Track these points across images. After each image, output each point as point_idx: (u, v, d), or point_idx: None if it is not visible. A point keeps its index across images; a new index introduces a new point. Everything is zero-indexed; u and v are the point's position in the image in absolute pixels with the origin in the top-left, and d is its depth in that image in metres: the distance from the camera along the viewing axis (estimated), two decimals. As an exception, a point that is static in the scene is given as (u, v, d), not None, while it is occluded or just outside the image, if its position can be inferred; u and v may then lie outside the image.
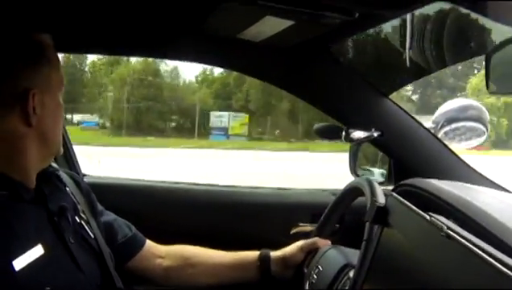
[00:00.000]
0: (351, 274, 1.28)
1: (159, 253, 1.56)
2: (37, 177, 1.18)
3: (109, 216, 1.49)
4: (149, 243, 1.56)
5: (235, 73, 23.83)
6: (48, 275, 1.05)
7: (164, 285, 1.58)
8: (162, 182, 2.23)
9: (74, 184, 1.36)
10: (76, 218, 1.24)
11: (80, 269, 1.15)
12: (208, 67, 29.17)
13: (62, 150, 1.25)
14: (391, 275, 1.01)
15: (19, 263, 1.00)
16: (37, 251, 1.04)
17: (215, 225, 2.00)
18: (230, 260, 1.59)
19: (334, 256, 1.44)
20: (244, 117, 27.43)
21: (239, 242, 1.77)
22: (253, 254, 1.58)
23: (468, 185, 1.34)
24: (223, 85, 29.89)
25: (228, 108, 28.28)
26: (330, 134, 1.91)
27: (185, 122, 29.01)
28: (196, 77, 31.12)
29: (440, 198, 1.04)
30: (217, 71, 29.01)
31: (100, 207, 1.47)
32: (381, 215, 1.10)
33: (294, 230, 2.03)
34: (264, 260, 1.56)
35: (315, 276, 1.42)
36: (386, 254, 1.05)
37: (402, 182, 1.27)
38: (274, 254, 1.57)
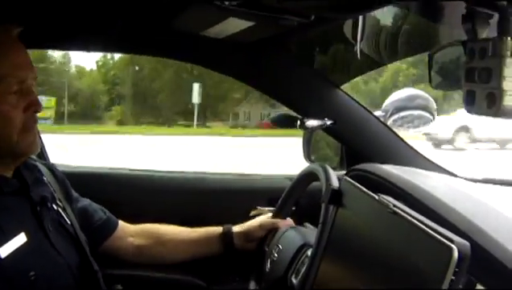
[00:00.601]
0: (309, 253, 1.34)
1: (131, 232, 1.63)
2: (18, 169, 1.23)
3: (84, 201, 1.54)
4: (121, 224, 1.62)
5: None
6: (31, 260, 1.09)
7: (136, 263, 1.67)
8: (131, 170, 2.28)
9: (50, 173, 1.40)
10: (54, 206, 1.28)
11: (59, 254, 1.20)
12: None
13: (34, 148, 1.25)
14: (346, 252, 1.06)
15: (4, 251, 1.04)
16: (20, 239, 1.09)
17: (181, 209, 2.05)
18: (196, 235, 1.68)
19: (293, 236, 1.51)
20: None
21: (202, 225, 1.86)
22: (217, 229, 1.70)
23: (416, 170, 1.43)
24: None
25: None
26: (286, 123, 1.99)
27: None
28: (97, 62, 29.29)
29: (389, 181, 1.12)
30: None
31: (75, 194, 1.51)
32: (336, 197, 1.16)
33: (252, 213, 2.04)
34: (227, 234, 1.68)
35: (275, 255, 1.49)
36: (340, 233, 1.11)
37: (353, 167, 1.34)
38: (236, 228, 1.69)
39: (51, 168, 1.43)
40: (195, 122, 21.60)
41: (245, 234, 1.68)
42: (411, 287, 0.68)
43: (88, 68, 30.15)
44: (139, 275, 2.01)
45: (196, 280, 2.08)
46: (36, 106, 1.21)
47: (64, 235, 1.27)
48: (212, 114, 25.14)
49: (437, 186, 1.12)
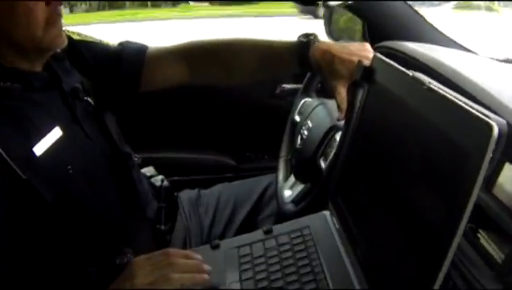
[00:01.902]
0: (337, 136, 1.32)
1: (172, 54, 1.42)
2: (48, 62, 1.19)
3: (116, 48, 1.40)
4: (152, 49, 1.42)
5: None
6: (68, 154, 1.08)
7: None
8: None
9: (73, 52, 1.31)
10: (85, 96, 1.24)
11: (94, 144, 1.19)
12: None
13: (60, 42, 1.13)
14: (379, 134, 1.01)
15: (40, 149, 1.02)
16: (55, 134, 1.07)
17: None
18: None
19: (323, 116, 1.47)
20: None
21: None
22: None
23: (440, 47, 1.38)
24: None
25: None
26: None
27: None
28: None
29: (416, 59, 1.09)
30: None
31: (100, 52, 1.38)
32: (368, 74, 1.09)
33: (278, 91, 2.12)
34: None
35: (305, 132, 1.47)
36: (372, 113, 1.06)
37: (379, 44, 1.29)
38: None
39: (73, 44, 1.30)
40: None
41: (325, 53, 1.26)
42: (451, 165, 0.67)
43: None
44: (171, 157, 2.13)
45: (227, 160, 2.18)
46: None
47: (96, 125, 1.25)
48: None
49: (463, 64, 1.07)
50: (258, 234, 1.13)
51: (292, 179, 1.51)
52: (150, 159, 1.58)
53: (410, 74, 0.89)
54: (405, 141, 0.86)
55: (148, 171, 1.53)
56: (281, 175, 1.58)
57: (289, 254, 1.03)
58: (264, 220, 1.52)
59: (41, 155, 1.02)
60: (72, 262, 1.06)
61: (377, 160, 0.94)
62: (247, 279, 0.98)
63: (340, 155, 1.17)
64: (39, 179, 1.00)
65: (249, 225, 1.50)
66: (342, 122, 1.24)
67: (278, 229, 1.13)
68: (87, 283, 1.06)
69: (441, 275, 0.64)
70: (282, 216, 1.39)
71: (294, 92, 1.96)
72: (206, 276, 0.95)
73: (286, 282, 0.94)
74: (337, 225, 1.07)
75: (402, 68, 0.94)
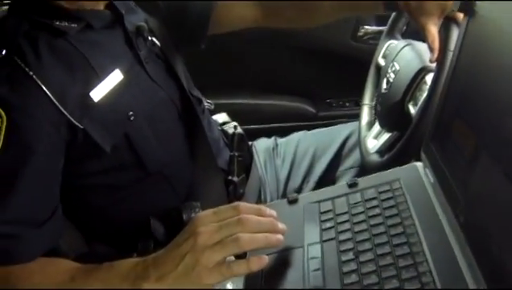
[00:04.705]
0: (427, 78, 1.23)
1: None
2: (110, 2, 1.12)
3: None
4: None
5: None
6: (129, 99, 1.03)
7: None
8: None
9: None
10: (149, 36, 1.16)
11: (160, 87, 1.12)
12: None
13: None
14: (479, 76, 0.92)
15: (98, 94, 0.97)
16: (115, 77, 1.01)
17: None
18: None
19: (411, 57, 1.37)
20: None
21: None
22: None
23: None
24: None
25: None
26: None
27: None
28: None
29: None
30: None
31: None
32: (467, 5, 0.99)
33: (361, 33, 2.00)
34: None
35: (392, 75, 1.37)
36: (472, 51, 0.94)
37: None
38: None
39: None
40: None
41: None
42: None
43: None
44: (245, 103, 2.08)
45: (306, 107, 2.11)
46: None
47: (162, 67, 1.17)
48: None
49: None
50: (342, 187, 1.01)
51: (377, 127, 1.42)
52: (223, 105, 1.52)
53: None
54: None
55: (220, 117, 1.45)
56: (364, 123, 1.48)
57: (377, 211, 0.90)
58: (345, 172, 1.44)
59: (99, 101, 0.96)
60: (134, 217, 1.02)
61: (482, 103, 0.81)
62: (328, 239, 0.87)
63: (433, 98, 1.07)
64: (97, 127, 0.95)
65: (328, 177, 1.42)
66: (433, 64, 1.13)
67: (363, 182, 1.01)
68: (152, 239, 1.01)
69: None
70: (365, 168, 1.32)
71: (377, 34, 1.88)
72: (281, 237, 0.79)
73: (374, 244, 0.82)
74: (432, 179, 0.94)
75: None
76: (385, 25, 1.60)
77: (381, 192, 0.95)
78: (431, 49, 1.10)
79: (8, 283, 0.86)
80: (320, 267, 0.82)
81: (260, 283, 0.84)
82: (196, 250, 0.75)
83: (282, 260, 0.87)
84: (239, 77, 2.09)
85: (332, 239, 0.87)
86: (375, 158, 1.31)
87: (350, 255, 0.82)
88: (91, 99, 0.95)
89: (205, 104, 1.31)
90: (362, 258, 0.80)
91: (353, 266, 0.80)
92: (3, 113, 0.86)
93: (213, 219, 0.79)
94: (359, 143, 1.42)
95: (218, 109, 1.45)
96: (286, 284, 0.83)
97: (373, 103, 1.51)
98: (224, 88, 1.99)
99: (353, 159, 1.45)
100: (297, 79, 2.11)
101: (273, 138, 1.55)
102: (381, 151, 1.32)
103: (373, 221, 0.88)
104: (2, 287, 0.86)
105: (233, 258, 0.79)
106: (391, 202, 0.92)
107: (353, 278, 0.78)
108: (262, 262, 0.76)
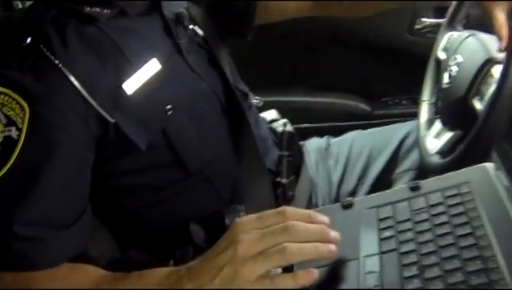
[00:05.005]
0: (494, 71, 1.16)
1: None
2: None
3: None
4: None
5: None
6: (167, 92, 0.98)
7: None
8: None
9: None
10: (190, 25, 1.12)
11: (201, 78, 1.07)
12: None
13: None
14: None
15: (132, 86, 0.92)
16: (152, 67, 0.97)
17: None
18: None
19: (475, 48, 1.30)
20: None
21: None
22: None
23: None
24: None
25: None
26: None
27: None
28: None
29: None
30: None
31: None
32: None
33: (418, 26, 1.95)
34: None
35: (454, 68, 1.31)
36: None
37: None
38: None
39: None
40: None
41: None
42: None
43: None
44: (296, 101, 2.05)
45: (360, 105, 2.08)
46: None
47: (205, 58, 1.12)
48: None
49: None
50: (402, 190, 0.93)
51: (438, 125, 1.35)
52: (273, 102, 1.48)
53: None
54: None
55: (269, 114, 1.40)
56: (423, 121, 1.42)
57: (444, 218, 0.81)
58: (402, 175, 1.37)
59: (133, 93, 0.91)
60: (172, 220, 0.98)
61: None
62: (388, 251, 0.78)
63: (503, 91, 1.02)
64: (131, 122, 0.90)
65: (384, 180, 1.36)
66: (501, 55, 1.09)
67: (427, 185, 0.92)
68: (191, 245, 0.96)
69: None
70: (425, 170, 1.25)
71: (435, 27, 1.82)
72: (333, 247, 0.70)
73: (441, 258, 0.73)
74: (506, 182, 0.85)
75: None
76: (443, 17, 1.55)
77: (447, 197, 0.86)
78: (498, 37, 1.08)
79: None
80: (379, 283, 0.74)
81: None
82: (236, 261, 0.68)
83: (334, 274, 0.79)
84: (290, 74, 2.07)
85: (392, 251, 0.78)
86: (436, 159, 1.24)
87: (414, 270, 0.73)
88: (124, 91, 0.90)
89: (253, 100, 1.26)
90: (428, 274, 0.71)
91: (416, 283, 0.71)
92: (26, 105, 0.82)
93: (256, 225, 0.71)
94: (418, 143, 1.36)
95: (267, 107, 1.42)
96: (338, 303, 0.76)
97: (434, 99, 1.45)
98: (274, 85, 1.95)
99: (411, 161, 1.39)
100: (350, 76, 2.07)
101: (325, 137, 1.50)
102: (442, 152, 1.25)
103: (439, 231, 0.79)
104: None
105: (279, 270, 0.72)
106: (460, 208, 0.82)
107: (417, 298, 0.70)
108: (310, 276, 0.69)
